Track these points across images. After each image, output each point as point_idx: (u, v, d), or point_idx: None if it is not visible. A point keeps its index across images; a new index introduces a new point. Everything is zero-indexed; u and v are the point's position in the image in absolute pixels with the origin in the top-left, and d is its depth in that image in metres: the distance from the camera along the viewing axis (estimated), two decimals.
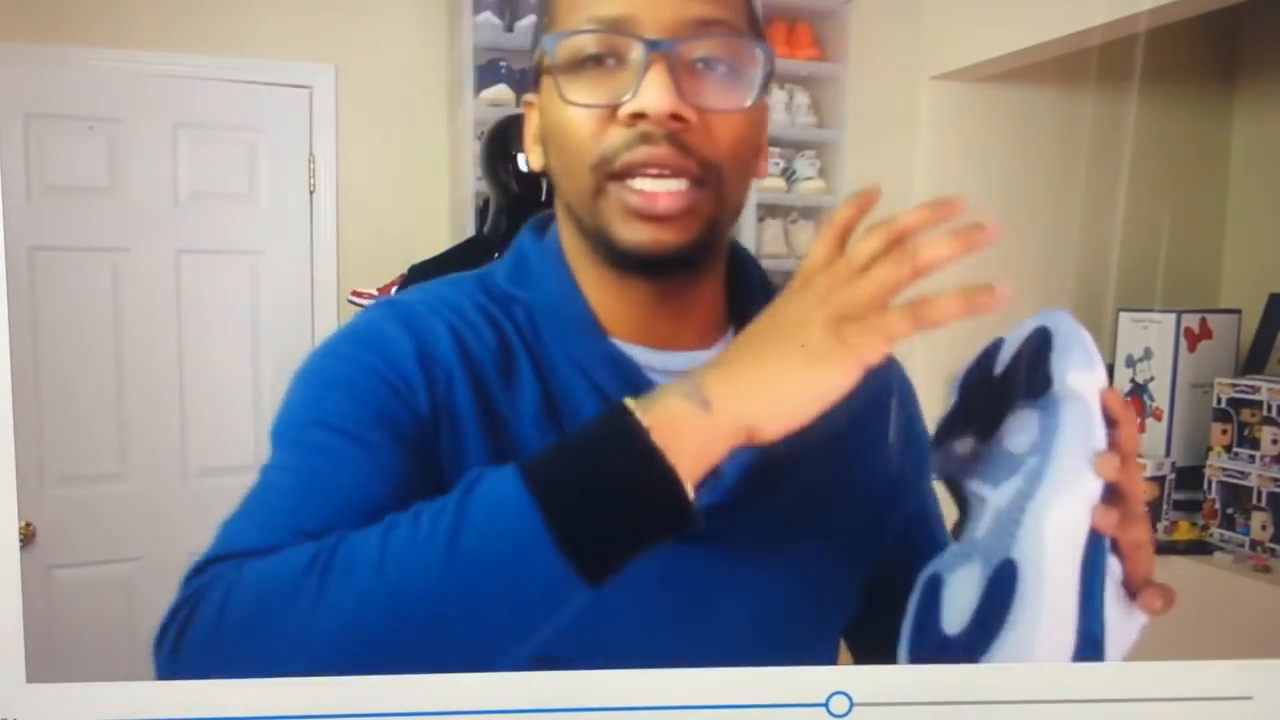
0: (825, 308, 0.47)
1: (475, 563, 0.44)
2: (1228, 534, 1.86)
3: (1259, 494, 1.82)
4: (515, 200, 1.77)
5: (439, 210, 2.49)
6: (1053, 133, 2.45)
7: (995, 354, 0.59)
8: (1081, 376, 0.52)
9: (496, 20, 2.36)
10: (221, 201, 2.33)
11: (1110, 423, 0.51)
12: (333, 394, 0.56)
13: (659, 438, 0.44)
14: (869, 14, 2.58)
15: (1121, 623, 0.53)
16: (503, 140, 1.79)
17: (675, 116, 0.53)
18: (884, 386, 0.68)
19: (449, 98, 2.48)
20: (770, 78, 0.59)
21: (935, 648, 0.52)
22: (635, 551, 0.46)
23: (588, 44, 0.55)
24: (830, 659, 0.66)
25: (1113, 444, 0.50)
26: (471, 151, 2.29)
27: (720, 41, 0.55)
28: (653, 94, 0.52)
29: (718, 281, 0.65)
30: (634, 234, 0.55)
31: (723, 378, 0.47)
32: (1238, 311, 2.21)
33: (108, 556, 2.27)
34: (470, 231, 2.21)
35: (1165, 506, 1.95)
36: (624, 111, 0.54)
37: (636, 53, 0.53)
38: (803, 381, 0.46)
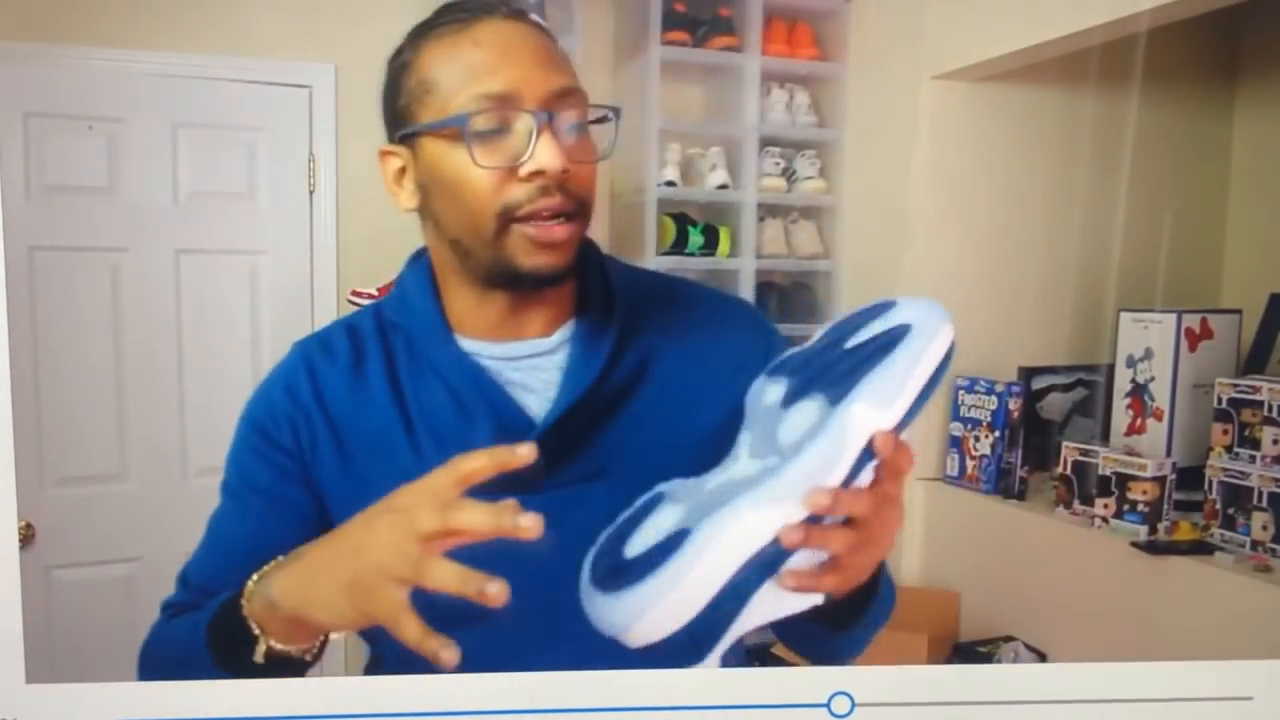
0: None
1: (185, 653, 0.73)
2: (1228, 534, 1.86)
3: (1260, 494, 1.81)
4: None
5: None
6: (1053, 132, 2.45)
7: (865, 321, 0.63)
8: (864, 412, 0.57)
9: None
10: (221, 201, 2.33)
11: (879, 460, 0.58)
12: (242, 456, 0.84)
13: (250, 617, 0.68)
14: (869, 14, 2.58)
15: (770, 603, 0.58)
16: None
17: (564, 171, 0.69)
18: (753, 351, 0.78)
19: None
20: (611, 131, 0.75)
21: (608, 565, 0.59)
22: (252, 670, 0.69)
23: (488, 120, 0.69)
24: None
25: (878, 476, 0.59)
26: None
27: (580, 109, 0.72)
28: (547, 156, 0.68)
29: (565, 284, 0.77)
30: (534, 261, 0.71)
31: (285, 580, 0.67)
32: (1239, 311, 2.21)
33: (107, 557, 2.27)
34: None
35: (1166, 507, 1.95)
36: (525, 170, 0.69)
37: (526, 123, 0.69)
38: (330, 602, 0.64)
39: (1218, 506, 1.89)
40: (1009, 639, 2.19)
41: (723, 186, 2.57)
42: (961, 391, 2.40)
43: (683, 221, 2.58)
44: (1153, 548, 1.90)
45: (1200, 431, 2.03)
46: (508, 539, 0.59)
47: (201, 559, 0.84)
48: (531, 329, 0.78)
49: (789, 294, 2.73)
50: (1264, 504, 1.81)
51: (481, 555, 0.64)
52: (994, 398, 2.31)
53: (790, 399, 0.61)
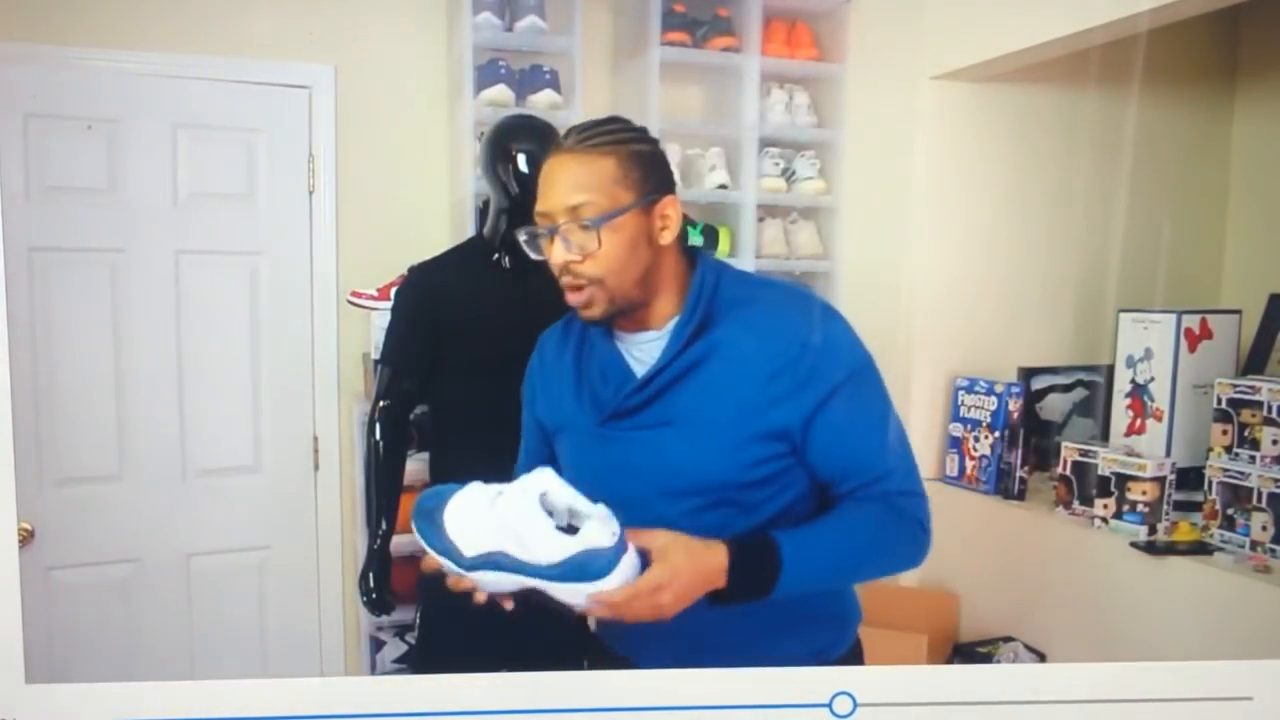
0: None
1: None
2: (1228, 534, 1.86)
3: (1259, 494, 1.82)
4: (515, 201, 1.77)
5: (439, 210, 2.48)
6: (1053, 133, 2.45)
7: None
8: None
9: (496, 20, 2.36)
10: (221, 201, 2.33)
11: None
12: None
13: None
14: (869, 14, 2.58)
15: None
16: (502, 141, 1.78)
17: (568, 263, 1.07)
18: (789, 361, 1.07)
19: (449, 98, 2.48)
20: (641, 206, 1.09)
21: None
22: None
23: (539, 228, 1.10)
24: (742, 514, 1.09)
25: None
26: (471, 151, 2.28)
27: (587, 212, 1.05)
28: (554, 255, 1.08)
29: (668, 296, 1.12)
30: (579, 313, 1.10)
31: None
32: (1238, 312, 2.20)
33: (107, 557, 2.26)
34: (470, 231, 2.20)
35: (1165, 507, 1.95)
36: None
37: (545, 233, 1.09)
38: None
39: (1217, 507, 1.89)
40: (1009, 639, 2.19)
41: (722, 187, 2.57)
42: (961, 392, 2.40)
43: (682, 222, 2.58)
44: (1152, 548, 1.90)
45: (1200, 432, 2.03)
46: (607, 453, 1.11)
47: (520, 455, 1.29)
48: (651, 324, 1.12)
49: None
50: (1263, 504, 1.81)
51: (610, 468, 1.09)
52: (994, 398, 2.31)
53: None
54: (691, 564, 0.95)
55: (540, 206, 1.08)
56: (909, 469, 1.14)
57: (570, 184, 1.07)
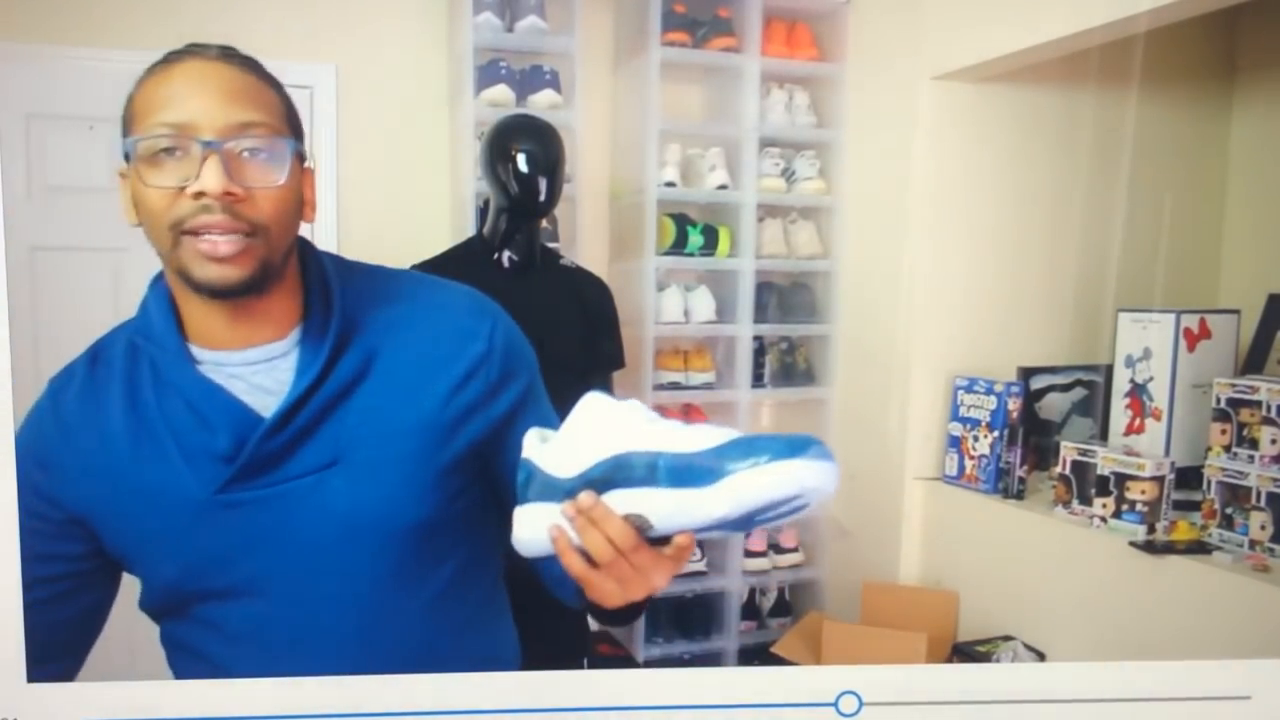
0: None
1: None
2: (1226, 534, 1.86)
3: (1258, 494, 1.82)
4: (515, 201, 1.77)
5: (439, 210, 2.49)
6: (1053, 133, 2.45)
7: None
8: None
9: (496, 20, 2.36)
10: None
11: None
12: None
13: None
14: (869, 14, 2.58)
15: None
16: (502, 141, 1.79)
17: (228, 193, 0.77)
18: (465, 340, 0.88)
19: (449, 98, 2.48)
20: (300, 158, 0.82)
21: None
22: None
23: (161, 142, 0.77)
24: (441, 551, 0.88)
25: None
26: (471, 151, 2.28)
27: (258, 137, 0.79)
28: (209, 179, 0.76)
29: (287, 291, 0.85)
30: (205, 272, 0.78)
31: None
32: (1237, 312, 2.21)
33: None
34: (470, 231, 2.21)
35: (1164, 507, 1.96)
36: (189, 190, 0.77)
37: (196, 149, 0.77)
38: None
39: (1216, 506, 1.89)
40: (1008, 639, 2.19)
41: (722, 187, 2.58)
42: (961, 391, 2.40)
43: (682, 222, 2.58)
44: (1151, 547, 1.90)
45: (1199, 431, 2.03)
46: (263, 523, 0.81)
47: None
48: (264, 335, 0.85)
49: (788, 294, 2.73)
50: (1262, 504, 1.81)
51: (242, 543, 0.81)
52: (993, 398, 2.32)
53: None
54: None
55: (175, 116, 0.77)
56: None
57: (235, 96, 0.80)
